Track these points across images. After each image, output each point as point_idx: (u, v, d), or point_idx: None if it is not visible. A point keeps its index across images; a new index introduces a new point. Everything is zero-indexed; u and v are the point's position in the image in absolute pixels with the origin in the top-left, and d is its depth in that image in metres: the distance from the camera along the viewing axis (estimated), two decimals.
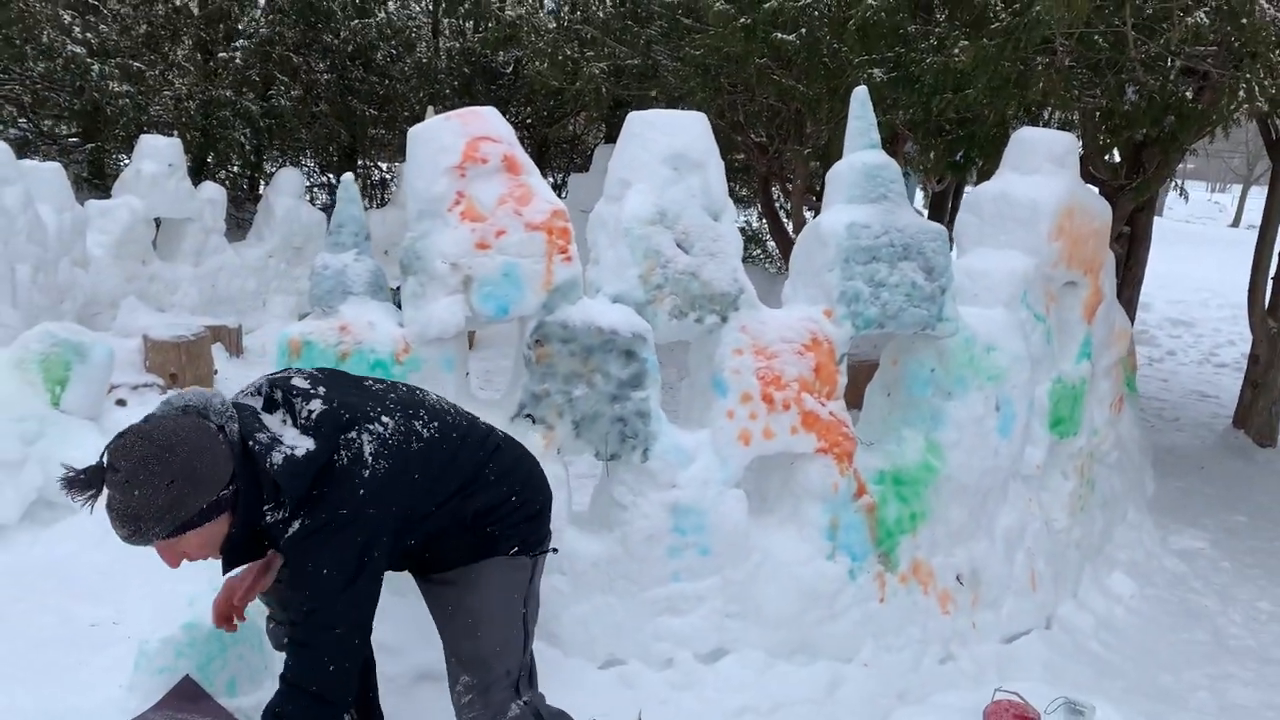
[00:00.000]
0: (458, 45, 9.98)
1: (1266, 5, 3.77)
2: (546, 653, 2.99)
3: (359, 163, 11.66)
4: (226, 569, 2.09)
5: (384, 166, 11.98)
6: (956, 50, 4.35)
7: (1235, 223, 42.04)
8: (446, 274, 2.85)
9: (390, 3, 9.92)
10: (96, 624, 3.17)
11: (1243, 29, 4.10)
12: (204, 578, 2.50)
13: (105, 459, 1.79)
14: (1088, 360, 3.96)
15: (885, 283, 3.17)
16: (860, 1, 4.67)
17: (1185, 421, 7.69)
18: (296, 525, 1.92)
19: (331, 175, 11.74)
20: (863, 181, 3.25)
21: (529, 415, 2.96)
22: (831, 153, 6.45)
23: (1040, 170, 3.73)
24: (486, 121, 2.89)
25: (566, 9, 8.75)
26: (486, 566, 2.21)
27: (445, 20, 11.08)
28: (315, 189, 11.04)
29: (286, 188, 8.18)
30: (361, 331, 2.90)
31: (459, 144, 2.85)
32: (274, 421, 1.96)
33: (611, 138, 11.48)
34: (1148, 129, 5.21)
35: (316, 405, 1.98)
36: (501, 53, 9.88)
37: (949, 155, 5.61)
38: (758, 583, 3.13)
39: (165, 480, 1.77)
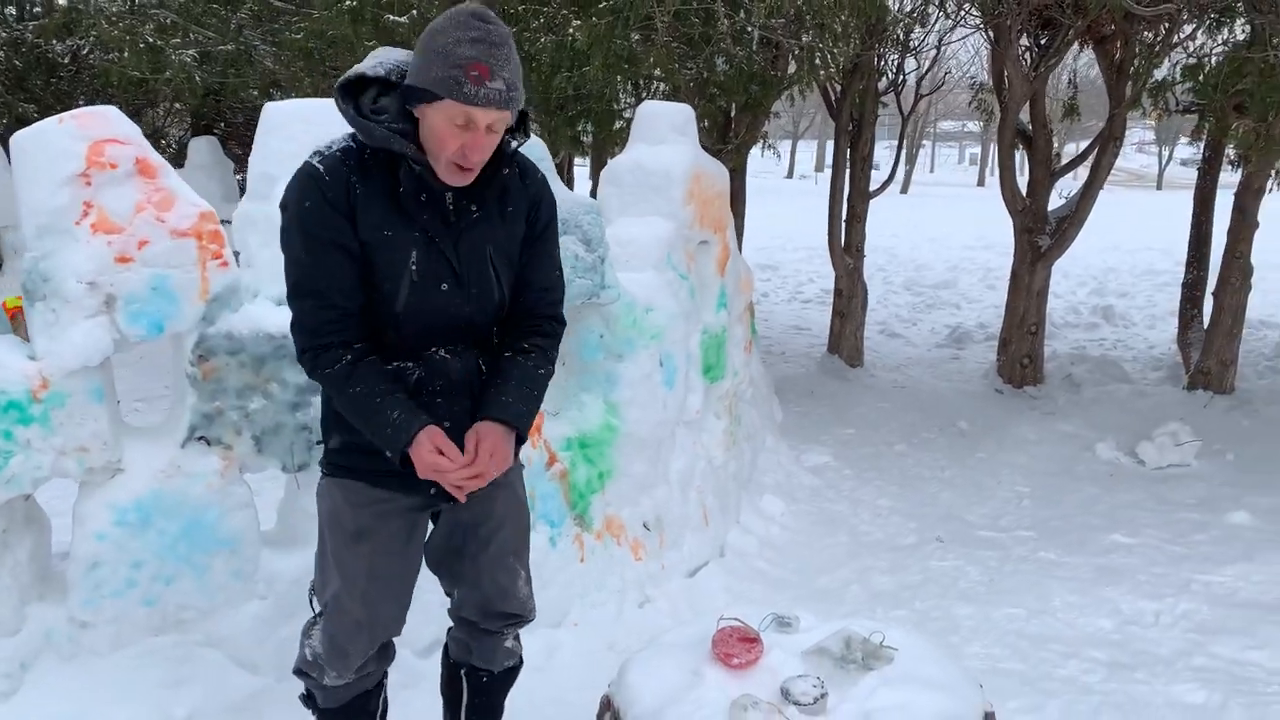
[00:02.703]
0: (3, 34, 8.70)
1: None
2: (253, 682, 2.83)
3: None
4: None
5: None
6: (571, 29, 4.54)
7: (789, 174, 47.34)
8: (84, 294, 2.56)
9: None
10: None
11: (812, 3, 4.65)
12: None
13: (475, 11, 1.79)
14: (725, 310, 4.36)
15: None
16: None
17: (790, 354, 8.65)
18: (540, 171, 2.12)
19: None
20: None
21: (202, 438, 2.75)
22: None
23: (666, 140, 4.02)
24: (110, 122, 2.61)
25: None
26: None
27: None
28: None
29: None
30: None
31: (80, 148, 2.55)
32: None
33: (203, 130, 10.62)
34: (738, 96, 5.75)
35: None
36: (58, 42, 8.77)
37: (568, 130, 5.84)
38: None
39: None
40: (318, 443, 2.88)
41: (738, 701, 2.17)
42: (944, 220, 23.72)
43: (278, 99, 9.74)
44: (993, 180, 45.49)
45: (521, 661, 2.46)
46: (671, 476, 3.87)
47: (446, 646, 2.46)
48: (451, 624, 2.40)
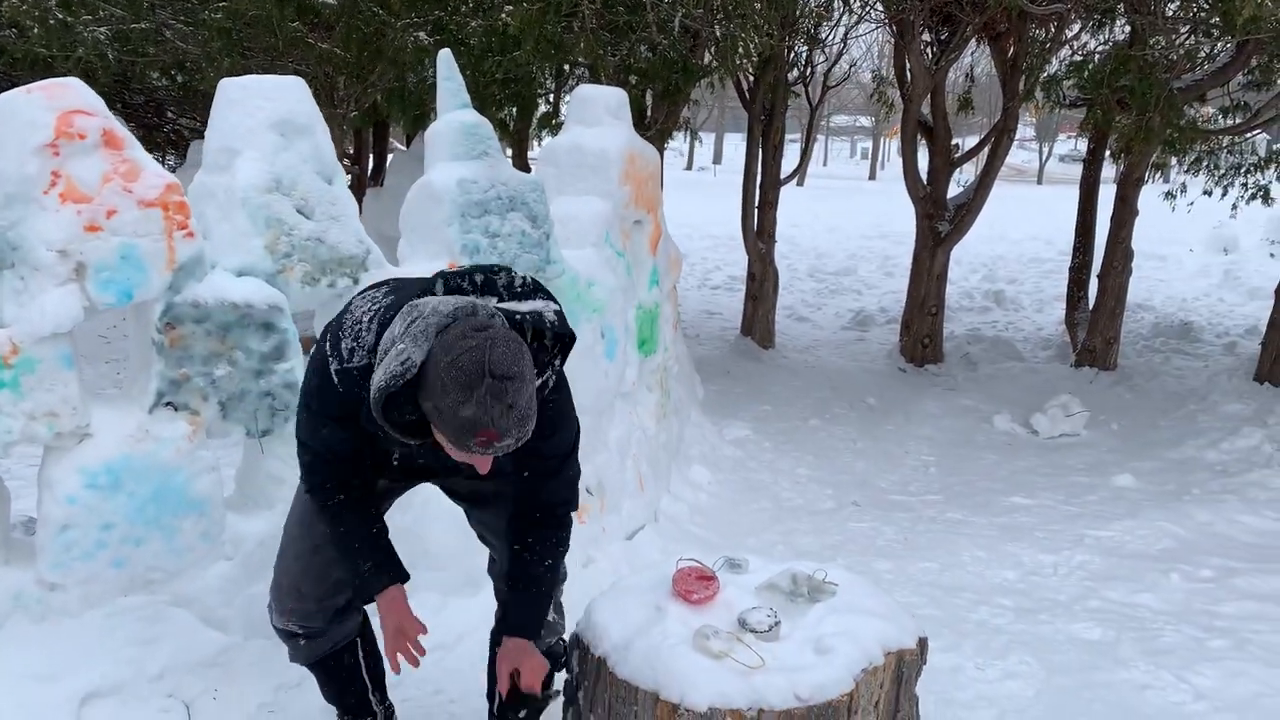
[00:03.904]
0: None
1: None
2: (221, 640, 2.91)
3: None
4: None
5: None
6: (504, 14, 4.66)
7: (689, 166, 47.79)
8: (54, 262, 2.61)
9: None
10: None
11: None
12: None
13: (495, 368, 1.72)
14: (657, 287, 4.55)
15: (499, 233, 3.42)
16: None
17: (704, 336, 8.91)
18: (552, 377, 2.00)
19: None
20: (463, 139, 3.45)
21: (169, 404, 2.82)
22: (382, 114, 6.50)
23: (601, 122, 4.19)
24: (77, 94, 2.66)
25: None
26: None
27: None
28: None
29: None
30: None
31: (49, 119, 2.59)
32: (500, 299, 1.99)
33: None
34: (659, 83, 5.95)
35: (506, 274, 2.02)
36: None
37: (495, 114, 5.95)
38: (423, 526, 3.28)
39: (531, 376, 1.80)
40: (280, 410, 2.98)
41: (700, 631, 2.36)
42: (840, 211, 24.39)
43: (180, 80, 9.52)
44: (884, 174, 46.74)
45: (562, 651, 2.55)
46: (611, 444, 4.05)
47: (493, 630, 2.55)
48: (495, 604, 2.54)
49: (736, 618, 2.44)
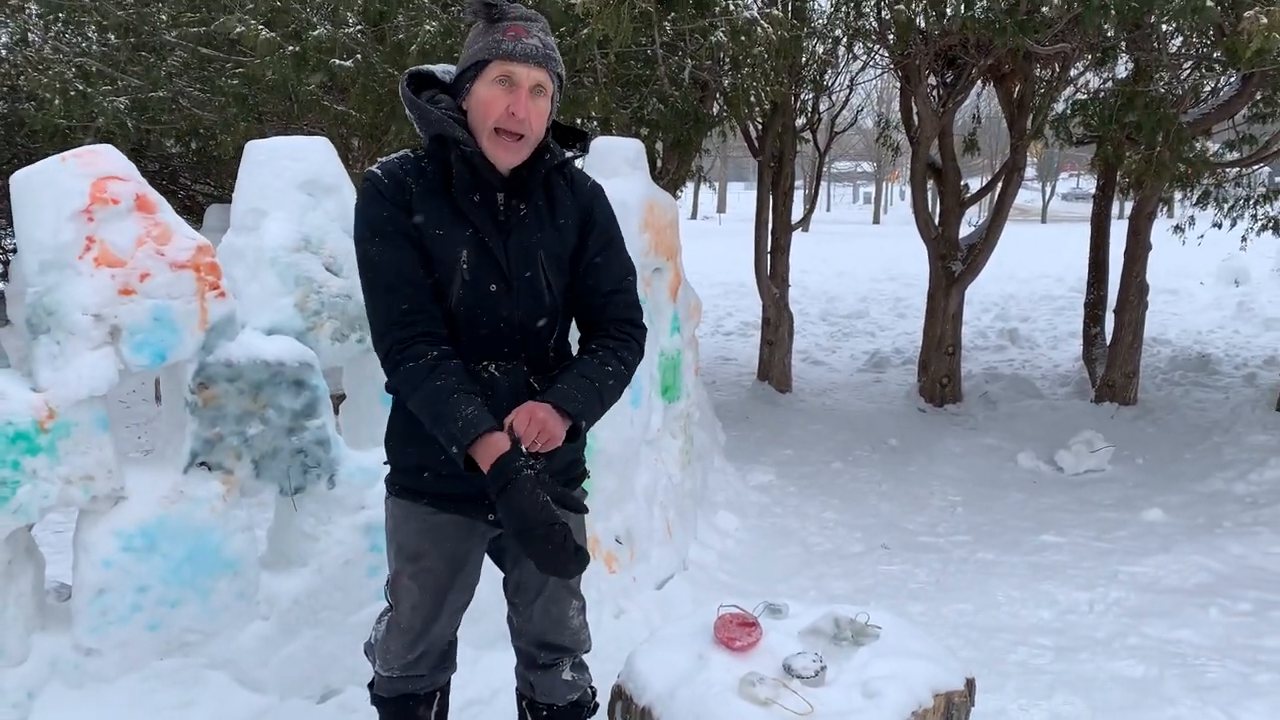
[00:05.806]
0: None
1: (767, 26, 4.61)
2: (258, 701, 2.88)
3: None
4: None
5: None
6: None
7: (693, 215, 48.11)
8: (89, 326, 2.63)
9: None
10: None
11: (742, 45, 4.93)
12: None
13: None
14: (678, 333, 4.56)
15: None
16: (420, 26, 4.88)
17: (721, 382, 8.91)
18: (591, 180, 2.19)
19: None
20: None
21: (204, 463, 2.83)
22: None
23: (620, 172, 4.22)
24: (110, 160, 2.70)
25: (54, 38, 7.85)
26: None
27: None
28: None
29: None
30: None
31: (83, 186, 2.63)
32: None
33: None
34: (671, 134, 6.01)
35: None
36: None
37: None
38: None
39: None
40: (313, 467, 2.99)
41: (746, 678, 2.34)
42: (848, 255, 24.46)
43: (195, 146, 9.68)
44: (887, 217, 47.00)
45: (592, 696, 2.45)
46: (638, 492, 4.04)
47: (517, 688, 2.50)
48: (515, 659, 2.44)
49: (781, 663, 2.42)
